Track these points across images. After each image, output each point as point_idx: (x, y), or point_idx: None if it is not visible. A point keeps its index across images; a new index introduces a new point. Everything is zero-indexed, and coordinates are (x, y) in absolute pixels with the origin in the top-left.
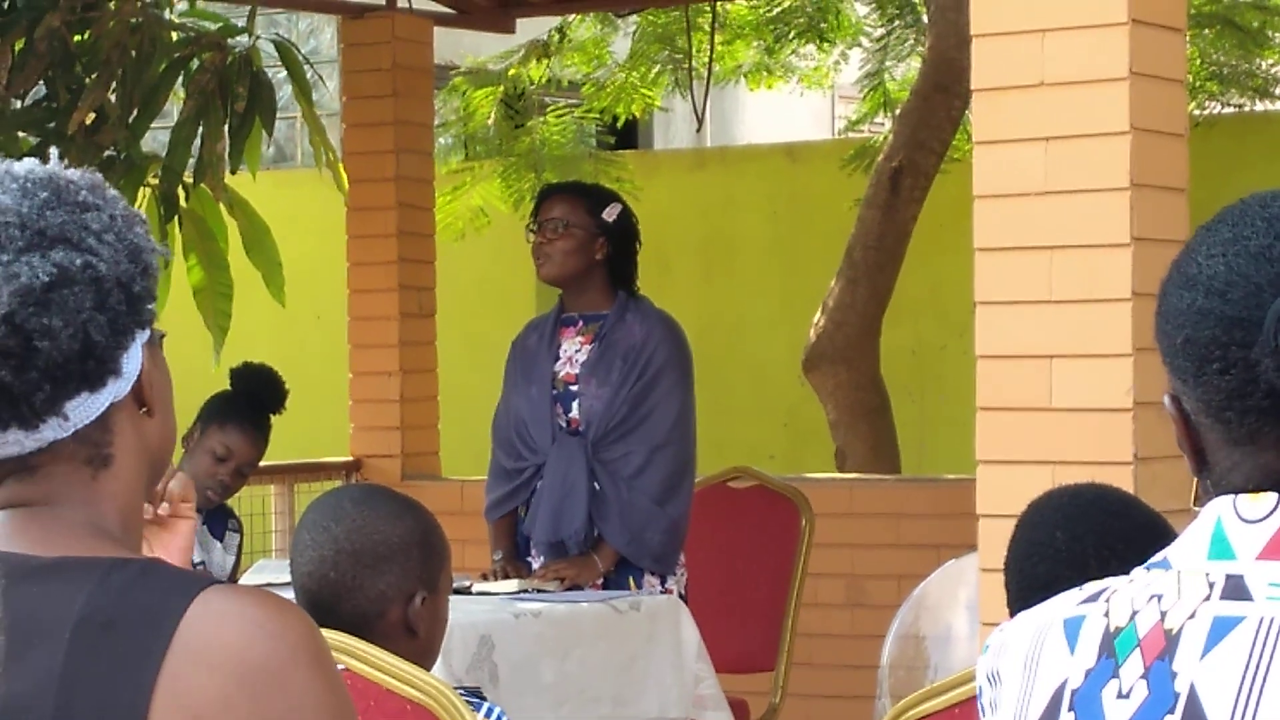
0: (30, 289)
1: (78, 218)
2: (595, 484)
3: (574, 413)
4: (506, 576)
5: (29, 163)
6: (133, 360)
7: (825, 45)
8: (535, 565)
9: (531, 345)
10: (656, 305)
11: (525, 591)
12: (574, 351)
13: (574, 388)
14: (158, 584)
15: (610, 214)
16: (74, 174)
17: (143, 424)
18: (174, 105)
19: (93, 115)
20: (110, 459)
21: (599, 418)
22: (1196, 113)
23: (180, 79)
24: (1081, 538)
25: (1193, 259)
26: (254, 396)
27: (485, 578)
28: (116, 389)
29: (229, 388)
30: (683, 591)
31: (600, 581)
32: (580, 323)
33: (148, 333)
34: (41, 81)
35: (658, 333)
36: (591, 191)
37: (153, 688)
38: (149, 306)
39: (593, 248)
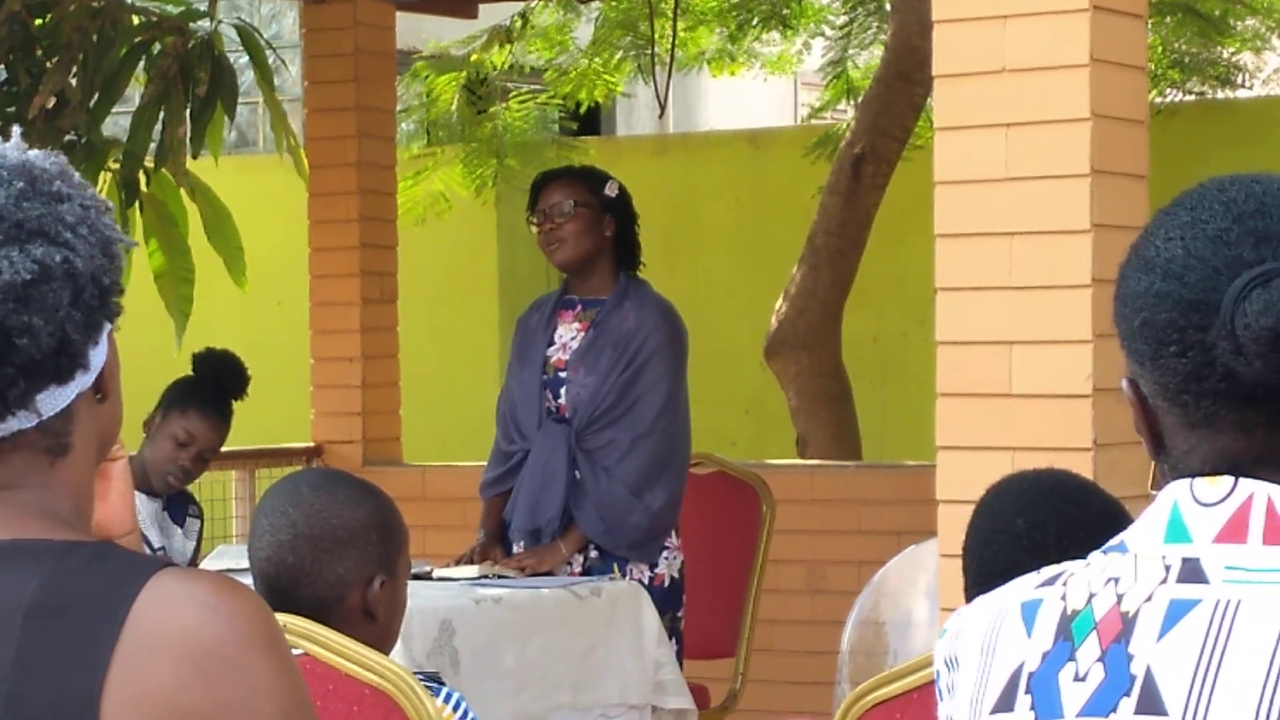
0: (12, 286)
1: (53, 209)
2: (575, 472)
3: (562, 399)
4: (484, 558)
5: (5, 148)
6: (100, 353)
7: (788, 32)
8: (518, 549)
9: (532, 325)
10: (657, 294)
11: (486, 577)
12: (569, 338)
13: (563, 374)
14: (111, 568)
15: (611, 190)
16: (44, 161)
17: (97, 410)
18: (135, 90)
19: (54, 99)
20: (69, 448)
21: (585, 405)
22: (1158, 100)
23: (142, 63)
24: (1042, 524)
25: (1151, 242)
26: (216, 382)
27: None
28: (83, 382)
29: (191, 373)
30: (675, 575)
31: (577, 570)
32: (579, 307)
33: (113, 325)
34: (2, 65)
35: (650, 320)
36: (588, 173)
37: (106, 672)
38: (116, 299)
39: (602, 225)
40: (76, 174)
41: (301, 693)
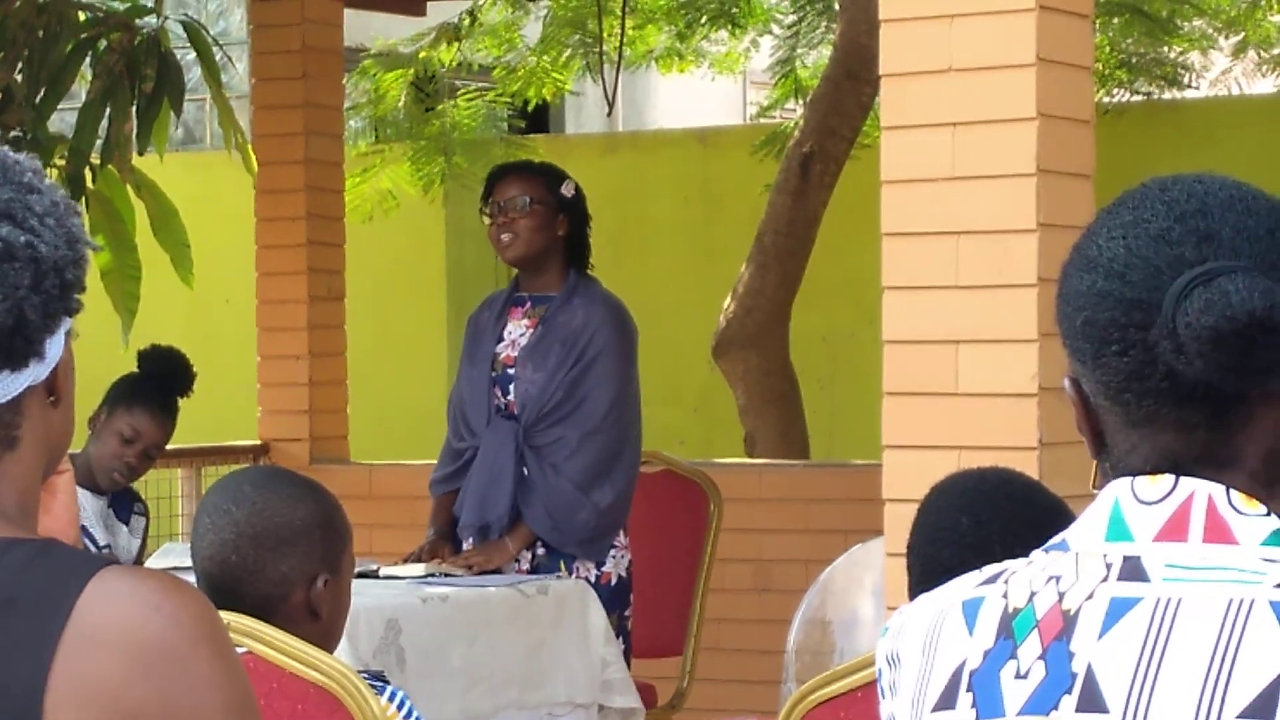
0: None
1: (23, 197)
2: (524, 469)
3: (511, 395)
4: (433, 555)
5: None
6: (56, 345)
7: (737, 31)
8: (465, 547)
9: (483, 323)
10: (606, 291)
11: (433, 575)
12: (518, 335)
13: (512, 370)
14: (55, 564)
15: (568, 190)
16: (18, 155)
17: (49, 413)
18: (81, 86)
19: None
20: (16, 441)
21: (533, 402)
22: (1106, 100)
23: (88, 59)
24: (986, 523)
25: (1093, 241)
26: (161, 379)
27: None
28: (36, 373)
29: (136, 370)
30: (623, 574)
31: (525, 567)
32: (529, 304)
33: (71, 321)
34: None
35: (599, 316)
36: (546, 169)
37: (49, 668)
38: (77, 295)
39: (555, 224)
40: (49, 177)
41: (246, 689)
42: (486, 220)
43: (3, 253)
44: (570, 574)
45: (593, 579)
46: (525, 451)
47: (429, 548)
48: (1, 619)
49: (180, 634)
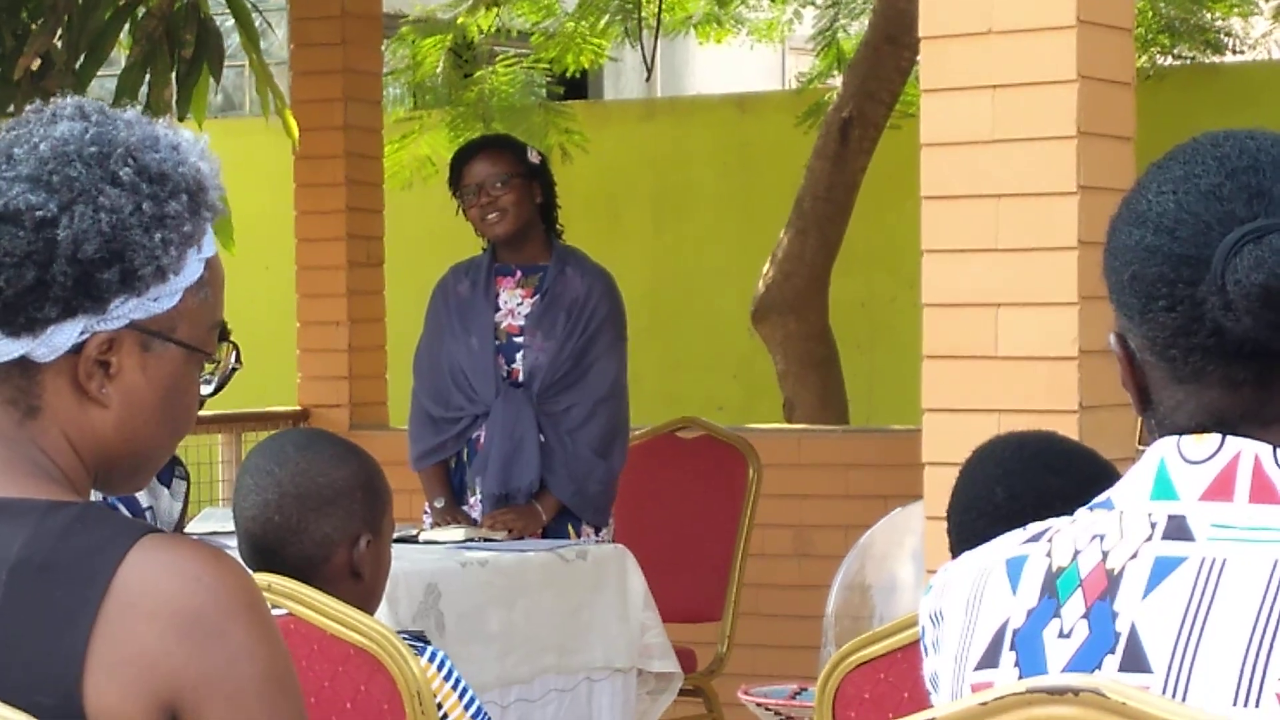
0: None
1: (95, 185)
2: (541, 436)
3: (516, 364)
4: (454, 521)
5: (129, 115)
6: (62, 333)
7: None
8: (475, 514)
9: (464, 292)
10: (594, 258)
11: (472, 540)
12: (515, 304)
13: (518, 339)
14: (96, 529)
15: (534, 157)
16: (146, 153)
17: (89, 408)
18: (120, 52)
19: (39, 61)
20: (37, 411)
21: (544, 370)
22: (1146, 65)
23: (127, 25)
24: (1020, 495)
25: (1143, 196)
26: None
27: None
28: (31, 349)
29: None
30: (610, 540)
31: (540, 533)
32: (519, 273)
33: (110, 324)
34: None
35: (598, 288)
36: (508, 142)
37: (90, 633)
38: (117, 302)
39: (532, 193)
40: (182, 194)
41: (285, 660)
42: (463, 205)
43: (10, 215)
44: (578, 538)
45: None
46: (541, 419)
47: (444, 518)
48: (39, 584)
49: (220, 604)
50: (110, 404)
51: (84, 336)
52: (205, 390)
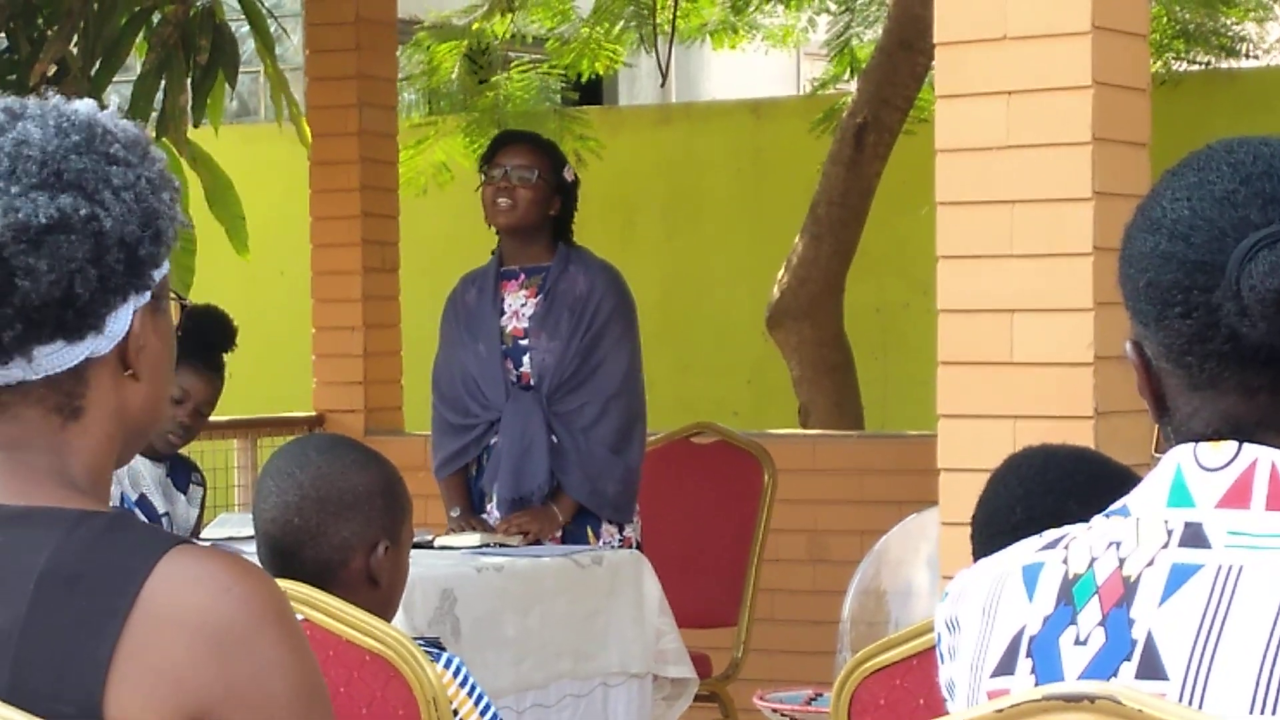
0: (26, 226)
1: (101, 168)
2: (553, 437)
3: (525, 367)
4: (469, 529)
5: (82, 104)
6: (119, 320)
7: (792, 5)
8: (492, 520)
9: (471, 301)
10: (600, 258)
11: (487, 546)
12: (519, 305)
13: (523, 342)
14: (125, 540)
15: (569, 174)
16: (118, 125)
17: (125, 386)
18: (136, 58)
19: (54, 67)
20: (80, 411)
21: (551, 371)
22: (1162, 71)
23: (142, 32)
24: (1038, 519)
25: (1157, 203)
26: (203, 337)
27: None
28: (95, 345)
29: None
30: (639, 539)
31: (559, 534)
32: (522, 275)
33: (146, 297)
34: (2, 33)
35: (601, 283)
36: (553, 148)
37: (115, 645)
38: (153, 272)
39: (551, 203)
40: (155, 149)
41: (314, 674)
42: (484, 180)
43: (58, 224)
44: (597, 540)
45: (615, 544)
46: (551, 420)
47: (460, 526)
48: (70, 594)
49: (251, 616)
50: (143, 375)
51: (133, 316)
52: None
